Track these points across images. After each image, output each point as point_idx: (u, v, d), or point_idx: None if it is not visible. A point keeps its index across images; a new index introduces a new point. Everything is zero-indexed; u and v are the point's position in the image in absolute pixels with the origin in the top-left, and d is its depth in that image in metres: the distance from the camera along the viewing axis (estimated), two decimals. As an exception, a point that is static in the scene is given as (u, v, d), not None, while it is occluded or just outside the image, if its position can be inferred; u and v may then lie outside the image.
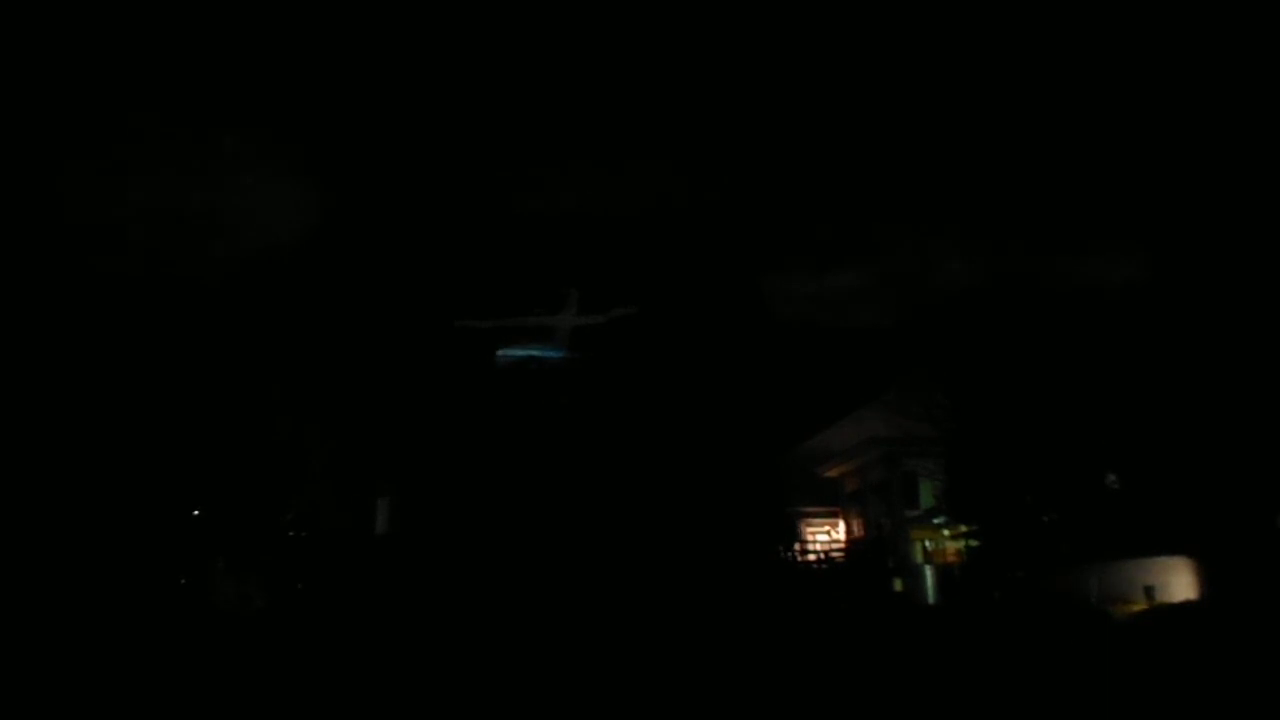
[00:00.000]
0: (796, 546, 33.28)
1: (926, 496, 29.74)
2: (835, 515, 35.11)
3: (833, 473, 33.97)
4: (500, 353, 27.66)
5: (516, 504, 26.31)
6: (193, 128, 22.13)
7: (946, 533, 28.95)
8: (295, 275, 25.54)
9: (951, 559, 28.69)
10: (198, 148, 22.61)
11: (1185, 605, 20.48)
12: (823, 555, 32.92)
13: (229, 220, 24.42)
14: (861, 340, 28.26)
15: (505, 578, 24.53)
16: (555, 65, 21.74)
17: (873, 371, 28.80)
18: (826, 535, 35.19)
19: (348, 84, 22.40)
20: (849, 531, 34.10)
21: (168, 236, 24.26)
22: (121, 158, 22.47)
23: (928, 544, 30.05)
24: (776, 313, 27.55)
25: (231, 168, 23.23)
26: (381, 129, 23.62)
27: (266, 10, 20.45)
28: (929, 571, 28.17)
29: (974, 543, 26.06)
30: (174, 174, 23.12)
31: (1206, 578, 21.33)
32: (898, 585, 27.67)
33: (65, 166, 22.34)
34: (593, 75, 21.85)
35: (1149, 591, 21.19)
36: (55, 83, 20.84)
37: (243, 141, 22.73)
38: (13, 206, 22.37)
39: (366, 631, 20.79)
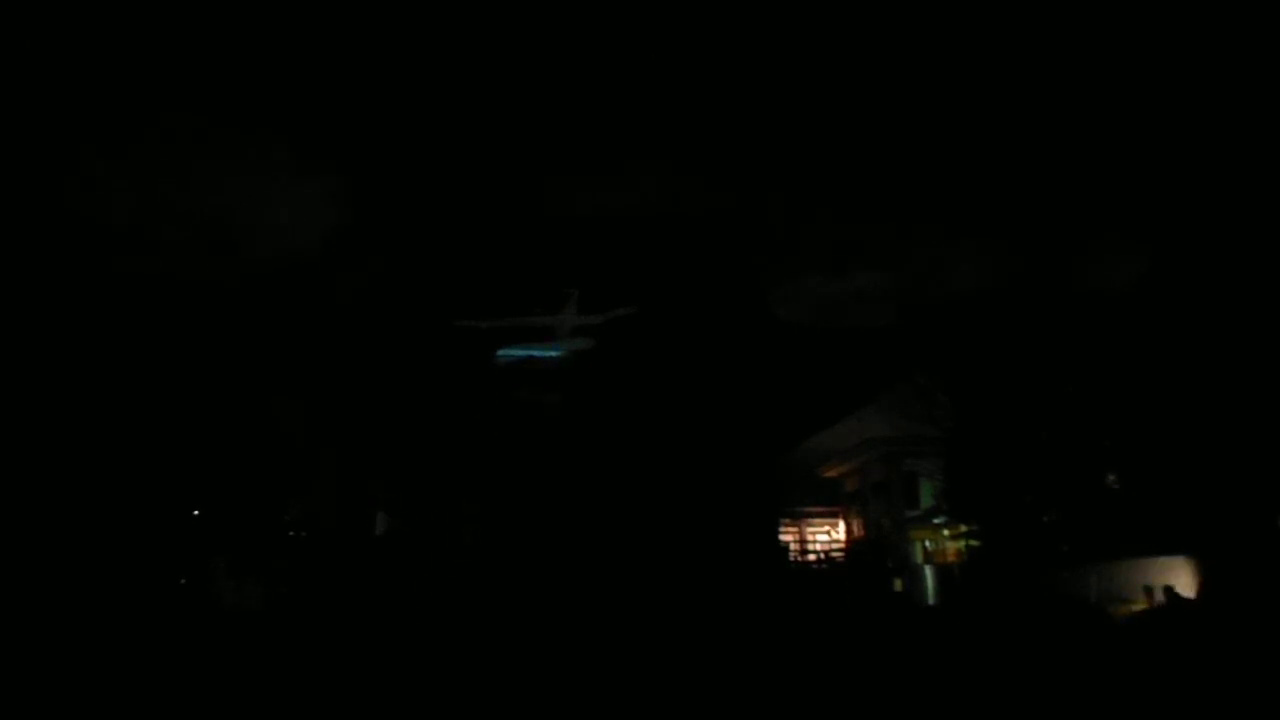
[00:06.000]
0: (795, 546, 33.30)
1: (926, 496, 29.72)
2: (835, 515, 35.08)
3: (833, 473, 33.95)
4: (500, 353, 27.68)
5: (516, 504, 26.32)
6: (202, 131, 22.19)
7: (946, 533, 28.93)
8: (296, 280, 25.58)
9: (951, 559, 28.68)
10: (206, 151, 22.67)
11: (1186, 605, 20.50)
12: (823, 555, 32.95)
13: (230, 224, 24.46)
14: (861, 340, 28.26)
15: (504, 577, 24.55)
16: (559, 70, 21.78)
17: (873, 371, 28.80)
18: (826, 535, 35.16)
19: (350, 86, 22.43)
20: (849, 531, 34.08)
21: (170, 240, 24.31)
22: (129, 162, 22.55)
23: (928, 544, 30.04)
24: (777, 313, 27.57)
25: (237, 172, 23.28)
26: (383, 134, 23.66)
27: (284, 17, 20.53)
28: (929, 571, 28.16)
29: (974, 543, 26.06)
30: (179, 178, 23.18)
31: (1206, 578, 21.33)
32: (898, 585, 27.66)
33: (82, 168, 22.41)
34: (596, 80, 21.89)
35: (1149, 591, 21.20)
36: (75, 86, 20.92)
37: (249, 146, 22.79)
38: (23, 206, 22.42)
39: (366, 630, 20.80)
